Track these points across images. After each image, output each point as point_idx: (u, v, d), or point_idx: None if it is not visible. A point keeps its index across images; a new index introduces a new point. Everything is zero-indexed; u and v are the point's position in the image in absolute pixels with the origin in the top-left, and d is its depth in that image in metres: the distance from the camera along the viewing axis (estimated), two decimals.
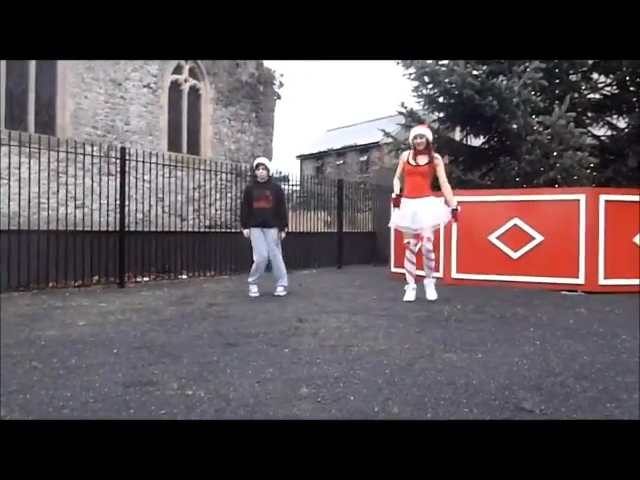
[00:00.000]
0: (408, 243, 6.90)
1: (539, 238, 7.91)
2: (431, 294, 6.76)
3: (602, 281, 7.61)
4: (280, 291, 7.57)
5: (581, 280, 7.65)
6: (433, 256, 6.81)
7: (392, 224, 7.20)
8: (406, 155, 6.92)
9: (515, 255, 8.08)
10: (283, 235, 7.75)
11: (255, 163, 7.78)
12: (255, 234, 7.52)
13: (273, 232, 7.55)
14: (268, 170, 7.71)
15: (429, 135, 6.80)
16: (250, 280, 7.64)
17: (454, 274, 8.45)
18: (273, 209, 7.53)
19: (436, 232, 7.24)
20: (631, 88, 10.27)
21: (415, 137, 6.75)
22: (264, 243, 7.48)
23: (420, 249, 6.87)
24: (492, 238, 8.19)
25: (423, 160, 6.70)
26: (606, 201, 7.67)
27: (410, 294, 6.80)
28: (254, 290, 7.56)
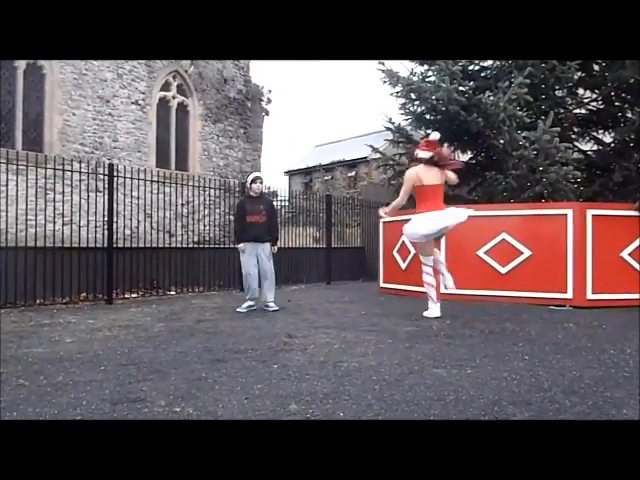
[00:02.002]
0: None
1: (527, 253, 7.93)
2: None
3: (590, 296, 7.64)
4: (273, 306, 7.54)
5: (569, 295, 7.67)
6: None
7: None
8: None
9: (503, 270, 8.09)
10: (275, 249, 7.77)
11: (252, 177, 7.79)
12: (247, 249, 7.52)
13: (266, 247, 7.56)
14: (263, 184, 7.77)
15: None
16: (247, 297, 7.63)
17: (442, 289, 8.43)
18: (266, 224, 7.56)
19: None
20: (616, 103, 10.36)
21: None
22: (254, 259, 7.49)
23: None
24: (480, 253, 8.21)
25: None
26: (593, 216, 7.71)
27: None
28: (244, 306, 7.54)
